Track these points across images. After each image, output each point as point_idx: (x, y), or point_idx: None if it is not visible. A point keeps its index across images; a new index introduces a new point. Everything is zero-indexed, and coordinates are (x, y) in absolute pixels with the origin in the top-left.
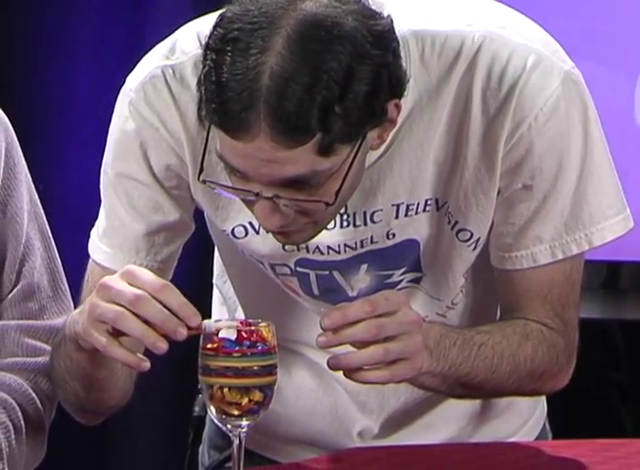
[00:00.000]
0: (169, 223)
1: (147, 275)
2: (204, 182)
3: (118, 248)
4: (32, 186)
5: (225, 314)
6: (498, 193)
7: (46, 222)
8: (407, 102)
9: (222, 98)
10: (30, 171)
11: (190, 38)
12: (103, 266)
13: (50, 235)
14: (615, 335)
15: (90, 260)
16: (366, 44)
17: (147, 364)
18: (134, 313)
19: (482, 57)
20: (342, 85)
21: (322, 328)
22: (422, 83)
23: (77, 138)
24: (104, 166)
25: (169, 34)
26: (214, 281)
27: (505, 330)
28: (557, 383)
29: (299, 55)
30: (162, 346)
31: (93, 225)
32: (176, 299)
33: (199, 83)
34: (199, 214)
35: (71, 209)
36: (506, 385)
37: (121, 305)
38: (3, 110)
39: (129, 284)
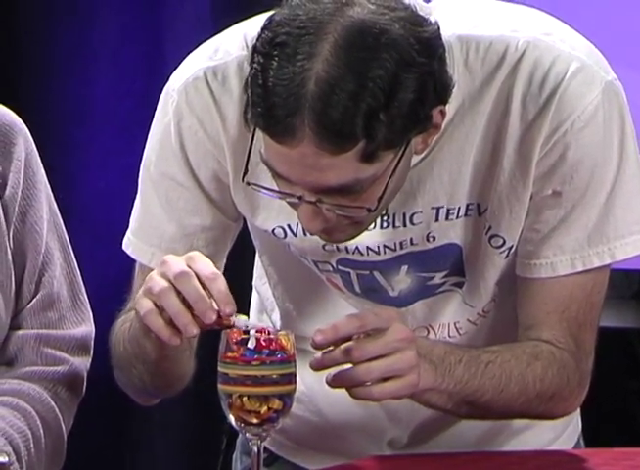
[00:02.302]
0: (207, 226)
1: (203, 261)
2: (248, 184)
3: (157, 247)
4: (51, 196)
5: (262, 321)
6: (530, 199)
7: (65, 232)
8: (450, 107)
9: (268, 102)
10: (49, 180)
11: (236, 39)
12: (141, 264)
13: (69, 245)
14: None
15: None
16: (412, 52)
17: (177, 339)
18: (178, 292)
19: (525, 62)
20: (388, 93)
21: (314, 346)
22: (465, 88)
23: (96, 146)
24: (145, 162)
25: (188, 42)
26: (254, 283)
27: (514, 350)
28: (568, 406)
29: (346, 62)
30: (192, 329)
31: (112, 234)
32: (218, 286)
33: (245, 85)
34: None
35: (90, 217)
36: (515, 405)
37: (168, 281)
38: (22, 118)
39: (187, 266)
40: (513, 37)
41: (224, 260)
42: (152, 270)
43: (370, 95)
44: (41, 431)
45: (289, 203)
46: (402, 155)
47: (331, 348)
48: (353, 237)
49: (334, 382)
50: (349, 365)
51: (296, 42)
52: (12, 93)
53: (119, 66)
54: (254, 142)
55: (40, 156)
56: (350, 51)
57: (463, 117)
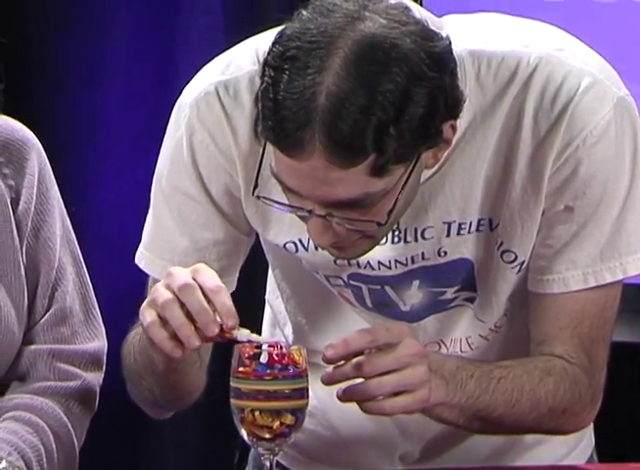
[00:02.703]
0: (219, 240)
1: (208, 273)
2: (258, 198)
3: (169, 261)
4: (64, 211)
5: (275, 335)
6: (542, 214)
7: (78, 247)
8: (462, 122)
9: (278, 116)
10: (62, 193)
11: (247, 54)
12: (154, 278)
13: (82, 260)
14: None
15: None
16: (423, 66)
17: (179, 352)
18: (181, 304)
19: (537, 77)
20: (398, 107)
21: (325, 360)
22: (477, 103)
23: (109, 159)
24: (158, 176)
25: (200, 56)
26: (267, 297)
27: (526, 365)
28: (580, 422)
29: (356, 76)
30: (195, 342)
31: (124, 247)
32: (221, 299)
33: (256, 99)
34: None
35: (103, 230)
36: (526, 421)
37: (172, 292)
38: (34, 132)
39: (192, 278)
40: (525, 52)
41: (237, 274)
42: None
43: (380, 109)
44: (54, 446)
45: (299, 217)
46: (412, 169)
47: (342, 362)
48: (365, 252)
49: (344, 396)
50: (360, 380)
51: (306, 56)
52: (25, 107)
53: (132, 79)
54: (265, 156)
55: (53, 169)
56: (361, 65)
57: (475, 132)
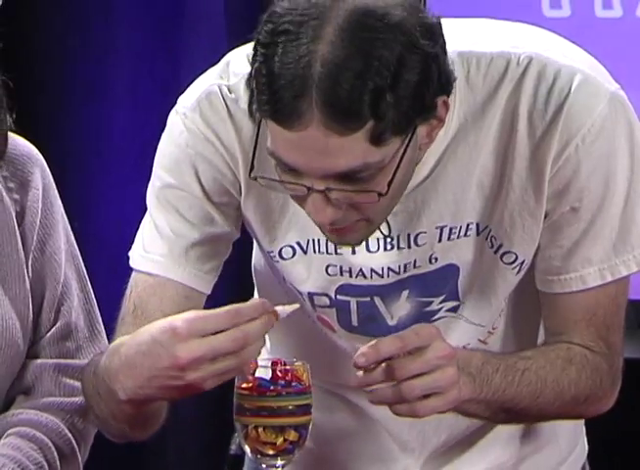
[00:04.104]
0: (217, 235)
1: (209, 322)
2: (254, 179)
3: (169, 255)
4: (68, 226)
5: (264, 355)
6: (545, 216)
7: (82, 263)
8: (452, 123)
9: (274, 87)
10: (65, 209)
11: (240, 60)
12: (150, 274)
13: (86, 275)
14: None
15: (133, 274)
16: (416, 33)
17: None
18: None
19: (528, 78)
20: (394, 73)
21: (356, 366)
22: (467, 104)
23: (112, 176)
24: (151, 183)
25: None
26: None
27: (548, 355)
28: (601, 407)
29: (351, 43)
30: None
31: (128, 264)
32: (246, 310)
33: (249, 79)
34: (238, 260)
35: (106, 246)
36: (550, 409)
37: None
38: (39, 148)
39: (201, 340)
40: (514, 53)
41: (216, 279)
42: (159, 279)
43: (377, 74)
44: (58, 462)
45: (296, 197)
46: (409, 143)
47: (372, 366)
48: (364, 238)
49: (375, 399)
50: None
51: (299, 28)
52: (30, 124)
53: (136, 97)
54: (260, 139)
55: (56, 185)
56: (355, 33)
57: (466, 135)
